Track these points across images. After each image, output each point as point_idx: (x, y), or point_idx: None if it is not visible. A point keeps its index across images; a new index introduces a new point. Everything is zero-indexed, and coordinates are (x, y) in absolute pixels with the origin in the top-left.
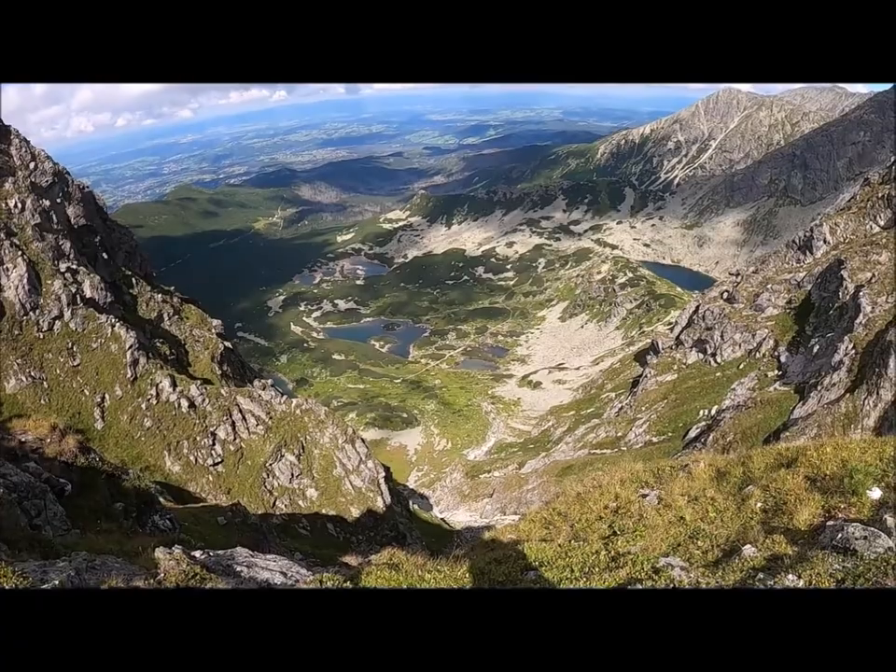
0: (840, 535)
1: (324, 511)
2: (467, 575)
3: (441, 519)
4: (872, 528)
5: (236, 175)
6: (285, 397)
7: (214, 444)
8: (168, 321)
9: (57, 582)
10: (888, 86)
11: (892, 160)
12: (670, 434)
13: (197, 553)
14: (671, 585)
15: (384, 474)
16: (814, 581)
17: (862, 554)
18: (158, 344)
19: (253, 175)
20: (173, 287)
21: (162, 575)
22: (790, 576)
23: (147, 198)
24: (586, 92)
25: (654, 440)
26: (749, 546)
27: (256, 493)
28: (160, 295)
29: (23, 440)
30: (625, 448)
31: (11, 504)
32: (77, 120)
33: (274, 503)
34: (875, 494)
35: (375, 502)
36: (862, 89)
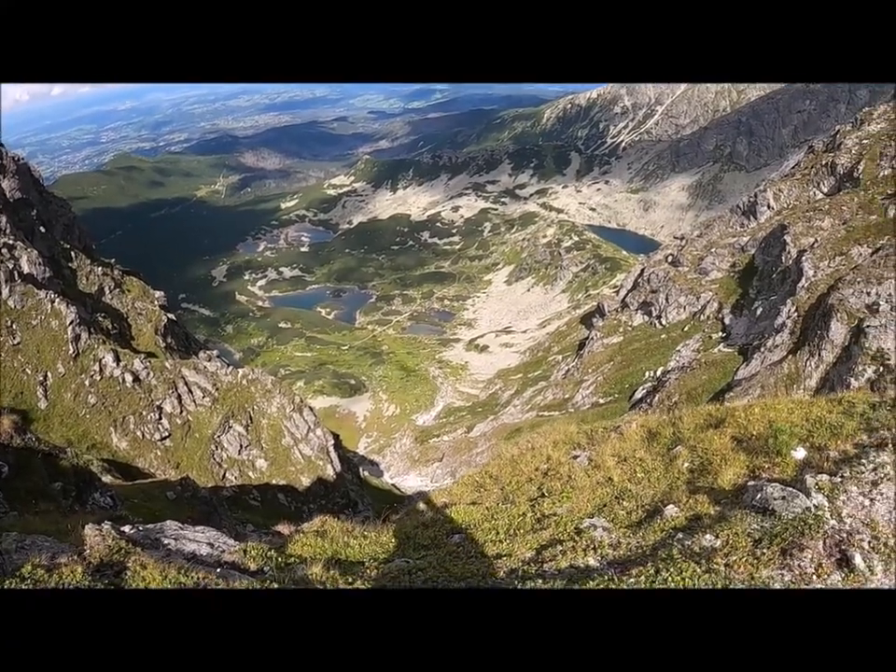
0: (760, 495)
1: (274, 482)
2: (393, 540)
3: (392, 485)
4: (791, 489)
5: (176, 142)
6: (231, 367)
7: (160, 418)
8: (109, 294)
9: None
10: None
11: (836, 128)
12: (617, 395)
13: (126, 528)
14: (594, 547)
15: (333, 442)
16: (731, 541)
17: (780, 514)
18: (100, 319)
19: (194, 142)
20: (113, 260)
21: (88, 551)
22: (707, 535)
23: (85, 168)
24: None
25: (601, 401)
26: (671, 506)
27: (205, 466)
28: (100, 268)
29: None
30: (573, 410)
31: None
32: (11, 89)
33: (224, 475)
34: (800, 454)
35: (325, 470)
36: None
